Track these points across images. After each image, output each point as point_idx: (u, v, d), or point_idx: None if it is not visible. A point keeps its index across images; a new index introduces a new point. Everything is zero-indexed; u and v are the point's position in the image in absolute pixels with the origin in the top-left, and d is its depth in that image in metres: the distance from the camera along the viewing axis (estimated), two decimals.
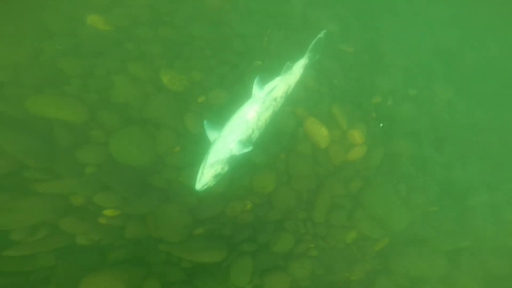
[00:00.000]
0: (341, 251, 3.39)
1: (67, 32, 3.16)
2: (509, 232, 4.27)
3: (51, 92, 2.63)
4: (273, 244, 3.04)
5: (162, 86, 3.10)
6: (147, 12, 3.67)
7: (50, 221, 2.36)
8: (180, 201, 2.80)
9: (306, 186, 3.31)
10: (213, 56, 3.63)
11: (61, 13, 3.24)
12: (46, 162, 2.35)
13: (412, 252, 3.62)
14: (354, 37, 4.93)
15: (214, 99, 3.27)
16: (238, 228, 3.05)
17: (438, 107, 4.84)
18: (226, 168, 2.57)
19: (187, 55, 3.52)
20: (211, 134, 2.70)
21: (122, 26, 3.43)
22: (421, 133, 4.36)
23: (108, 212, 2.54)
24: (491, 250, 4.11)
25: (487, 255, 4.07)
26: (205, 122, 2.71)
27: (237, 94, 3.38)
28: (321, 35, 3.40)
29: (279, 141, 3.35)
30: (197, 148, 2.92)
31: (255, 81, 2.88)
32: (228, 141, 2.59)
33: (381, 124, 4.04)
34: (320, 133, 3.42)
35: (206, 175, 2.45)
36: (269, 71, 3.56)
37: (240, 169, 3.01)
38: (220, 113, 3.11)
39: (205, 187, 2.46)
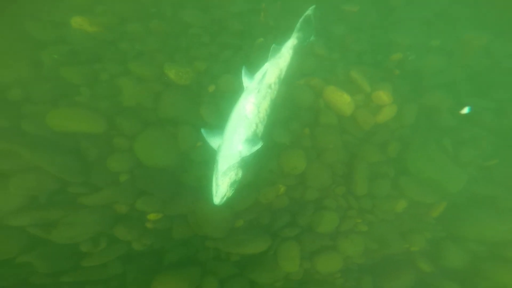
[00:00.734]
0: (392, 223, 3.84)
1: (57, 40, 3.62)
2: None
3: (66, 104, 3.16)
4: (317, 224, 3.50)
5: (170, 82, 3.59)
6: (131, 6, 4.14)
7: (106, 231, 2.95)
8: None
9: (339, 159, 3.76)
10: (213, 42, 4.12)
11: (43, 21, 3.70)
12: (83, 176, 2.89)
13: (479, 214, 3.85)
14: None
15: (224, 86, 3.74)
16: (276, 215, 3.53)
17: (472, 55, 5.08)
18: (240, 173, 2.76)
19: (186, 46, 4.01)
20: (214, 141, 2.93)
21: (110, 25, 3.88)
22: (456, 83, 4.73)
23: (151, 217, 3.06)
24: None
25: None
26: (203, 130, 2.95)
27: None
28: (309, 11, 3.63)
29: (299, 116, 3.81)
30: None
31: (243, 72, 3.16)
32: (235, 143, 2.78)
33: (409, 57, 4.43)
34: (343, 100, 3.86)
35: (222, 185, 2.62)
36: None
37: (265, 154, 3.47)
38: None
39: (224, 199, 2.65)
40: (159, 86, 3.57)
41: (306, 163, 3.50)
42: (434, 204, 3.87)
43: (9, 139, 2.71)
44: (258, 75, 3.24)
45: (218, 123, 3.34)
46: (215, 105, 3.61)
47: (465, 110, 4.39)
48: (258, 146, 2.74)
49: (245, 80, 3.16)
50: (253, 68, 3.50)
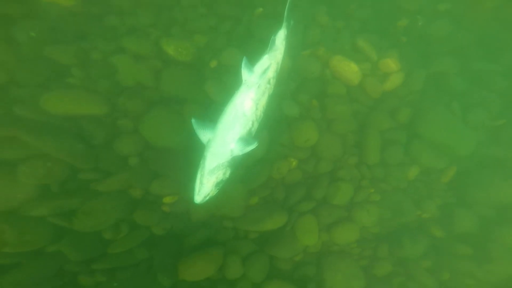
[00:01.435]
0: (405, 190, 3.96)
1: (29, 15, 3.32)
2: None
3: (58, 87, 3.00)
4: (333, 197, 3.58)
5: (170, 58, 3.46)
6: None
7: (126, 217, 2.94)
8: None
9: (350, 128, 3.82)
10: (210, 14, 3.95)
11: None
12: (92, 161, 2.81)
13: (489, 177, 3.98)
14: None
15: (227, 61, 3.65)
16: (290, 189, 3.59)
17: (483, 18, 5.00)
18: (228, 173, 2.64)
19: (181, 19, 3.83)
20: (203, 134, 2.73)
21: None
22: (466, 48, 4.75)
23: (167, 200, 3.05)
24: None
25: None
26: (193, 121, 2.73)
27: (249, 50, 3.75)
28: None
29: (306, 88, 3.80)
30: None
31: (243, 63, 2.92)
32: (227, 141, 2.63)
33: (419, 23, 4.43)
34: (350, 69, 3.86)
35: (207, 184, 2.50)
36: (274, 18, 3.93)
37: (277, 126, 3.45)
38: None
39: (207, 198, 2.54)
40: (159, 63, 3.44)
41: (318, 134, 3.51)
42: (445, 169, 4.00)
43: (6, 125, 2.58)
44: (258, 68, 3.06)
45: (224, 100, 3.26)
46: (219, 81, 3.53)
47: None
48: (252, 147, 2.58)
49: (245, 73, 2.93)
50: (252, 51, 3.32)
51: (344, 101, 3.81)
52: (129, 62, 3.34)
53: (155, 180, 2.98)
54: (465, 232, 3.94)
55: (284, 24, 3.44)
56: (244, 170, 3.30)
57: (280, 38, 3.36)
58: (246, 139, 2.67)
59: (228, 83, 3.44)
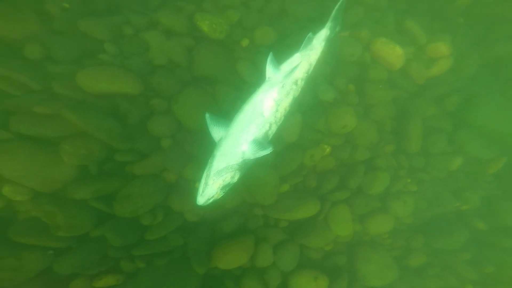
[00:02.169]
0: (444, 181, 3.88)
1: None
2: None
3: (92, 64, 2.98)
4: (369, 187, 3.52)
5: (203, 35, 3.36)
6: None
7: (162, 203, 2.99)
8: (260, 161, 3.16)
9: (388, 115, 3.70)
10: None
11: None
12: (128, 142, 2.83)
13: None
14: None
15: (260, 40, 3.53)
16: (323, 177, 3.54)
17: None
18: (237, 177, 2.52)
19: None
20: (216, 132, 2.63)
21: None
22: None
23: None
24: None
25: None
26: (207, 115, 2.63)
27: (283, 30, 3.61)
28: None
29: (343, 72, 3.66)
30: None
31: (268, 59, 2.78)
32: (240, 141, 2.51)
33: None
34: (395, 53, 3.68)
35: (212, 186, 2.38)
36: None
37: (311, 111, 3.36)
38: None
39: (210, 201, 2.43)
40: (191, 40, 3.36)
41: (357, 121, 3.41)
42: (493, 159, 3.86)
43: (48, 103, 2.59)
44: (285, 66, 2.90)
45: (256, 81, 3.17)
46: (251, 61, 3.43)
47: None
48: (267, 152, 2.43)
49: (269, 70, 2.78)
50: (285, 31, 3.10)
51: (385, 86, 3.68)
52: (161, 38, 3.28)
53: (189, 163, 3.00)
54: (510, 225, 3.85)
55: (328, 25, 3.25)
56: (274, 156, 3.25)
57: (320, 38, 3.19)
58: (261, 142, 2.51)
59: (259, 64, 3.32)
